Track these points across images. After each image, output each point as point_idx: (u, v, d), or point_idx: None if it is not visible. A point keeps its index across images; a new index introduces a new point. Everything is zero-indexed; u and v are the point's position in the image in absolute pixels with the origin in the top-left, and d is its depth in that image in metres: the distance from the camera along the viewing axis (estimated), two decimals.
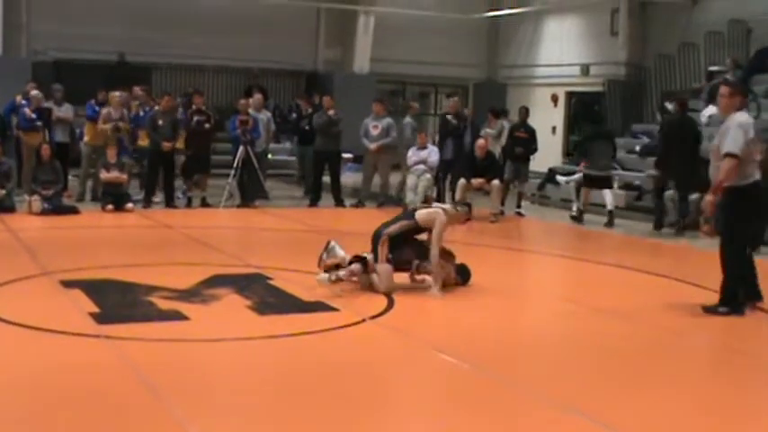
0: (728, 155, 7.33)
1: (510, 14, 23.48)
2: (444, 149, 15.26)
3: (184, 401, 5.02)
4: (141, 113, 14.99)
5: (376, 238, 8.07)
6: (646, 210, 14.43)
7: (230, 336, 6.56)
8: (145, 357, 5.83)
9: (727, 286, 7.54)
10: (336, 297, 7.66)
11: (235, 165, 14.54)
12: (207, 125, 14.47)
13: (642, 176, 15.31)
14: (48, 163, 13.45)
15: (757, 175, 7.56)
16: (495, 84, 24.81)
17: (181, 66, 21.53)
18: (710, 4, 19.20)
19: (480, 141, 14.45)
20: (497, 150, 15.75)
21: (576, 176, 14.94)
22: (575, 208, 14.58)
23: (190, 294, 7.66)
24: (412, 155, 14.89)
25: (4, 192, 12.95)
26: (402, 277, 8.24)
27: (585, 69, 22.06)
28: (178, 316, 6.94)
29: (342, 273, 7.85)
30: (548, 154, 17.28)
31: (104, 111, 14.56)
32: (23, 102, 14.57)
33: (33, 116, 14.39)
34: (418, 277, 8.31)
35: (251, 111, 15.36)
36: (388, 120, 15.42)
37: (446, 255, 8.23)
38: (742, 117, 7.52)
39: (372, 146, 15.14)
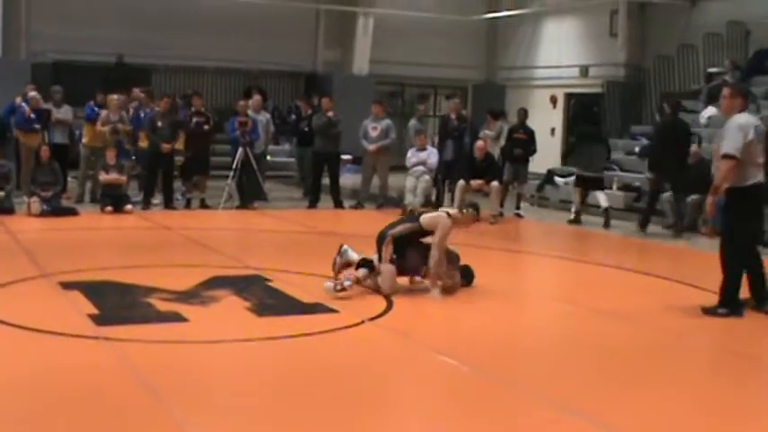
0: (726, 156, 7.33)
1: (509, 16, 23.49)
2: (444, 151, 15.28)
3: (184, 403, 5.02)
4: (142, 115, 14.98)
5: (381, 239, 8.07)
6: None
7: (229, 337, 6.54)
8: (144, 359, 5.82)
9: (726, 287, 7.53)
10: (336, 299, 7.66)
11: (234, 166, 14.52)
12: (206, 126, 14.46)
13: (641, 177, 15.32)
14: (47, 164, 13.43)
15: (760, 177, 7.51)
16: (494, 85, 24.81)
17: (180, 67, 21.51)
18: (709, 5, 19.23)
19: (479, 143, 14.46)
20: (496, 152, 15.74)
21: (574, 178, 14.95)
22: (573, 210, 14.57)
23: (189, 296, 7.65)
24: (411, 156, 14.90)
25: (3, 193, 12.93)
26: (404, 279, 8.25)
27: (584, 71, 22.06)
28: (177, 317, 6.93)
29: (347, 283, 7.82)
30: (547, 155, 17.25)
31: (103, 113, 14.57)
32: (22, 103, 14.56)
33: (32, 116, 14.38)
34: (418, 278, 8.31)
35: (250, 112, 15.34)
36: (388, 121, 15.44)
37: (452, 261, 8.22)
38: (742, 118, 7.49)
39: (371, 147, 15.14)
